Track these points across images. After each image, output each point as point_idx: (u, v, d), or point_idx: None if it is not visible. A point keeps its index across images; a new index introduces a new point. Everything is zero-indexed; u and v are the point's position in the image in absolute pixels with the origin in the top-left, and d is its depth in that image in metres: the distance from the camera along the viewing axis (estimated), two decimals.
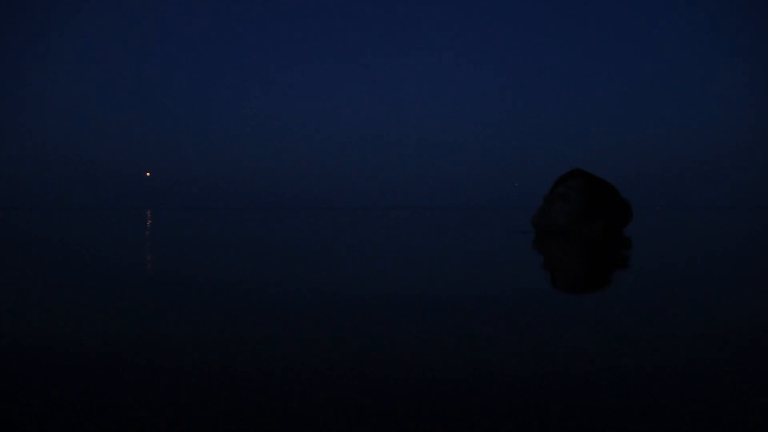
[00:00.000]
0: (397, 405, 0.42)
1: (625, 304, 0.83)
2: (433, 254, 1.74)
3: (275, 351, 0.57)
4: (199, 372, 0.49)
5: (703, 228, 3.29)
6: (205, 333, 0.64)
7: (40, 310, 0.80)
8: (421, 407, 0.41)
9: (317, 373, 0.49)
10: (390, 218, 6.61)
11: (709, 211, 13.51)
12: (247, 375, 0.49)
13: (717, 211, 14.26)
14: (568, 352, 0.56)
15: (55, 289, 1.01)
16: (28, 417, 0.39)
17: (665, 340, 0.61)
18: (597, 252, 1.77)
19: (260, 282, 1.10)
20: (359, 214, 10.22)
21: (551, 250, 1.90)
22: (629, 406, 0.41)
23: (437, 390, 0.45)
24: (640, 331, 0.65)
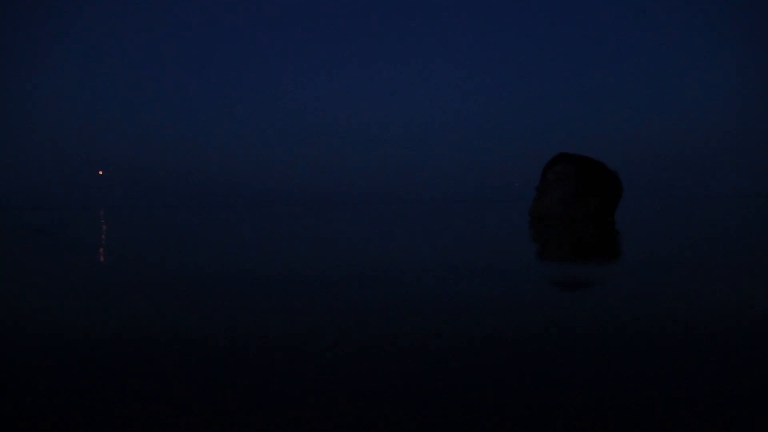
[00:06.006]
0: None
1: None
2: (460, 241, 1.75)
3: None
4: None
5: (713, 222, 3.30)
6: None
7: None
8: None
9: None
10: (394, 213, 6.59)
11: (706, 201, 13.52)
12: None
13: (712, 201, 14.28)
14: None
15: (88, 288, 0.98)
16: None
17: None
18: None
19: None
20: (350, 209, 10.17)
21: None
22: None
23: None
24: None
